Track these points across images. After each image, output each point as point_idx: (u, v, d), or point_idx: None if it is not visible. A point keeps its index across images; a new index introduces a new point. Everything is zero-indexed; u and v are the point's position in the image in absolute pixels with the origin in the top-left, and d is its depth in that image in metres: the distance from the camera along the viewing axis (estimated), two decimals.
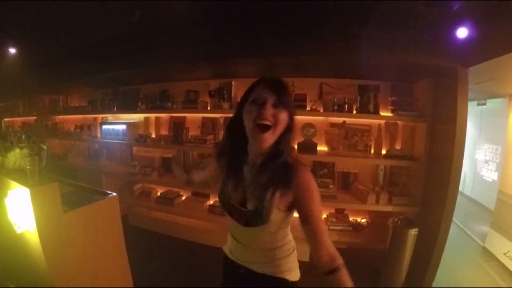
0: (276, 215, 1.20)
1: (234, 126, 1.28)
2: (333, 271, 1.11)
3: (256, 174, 1.23)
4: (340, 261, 1.13)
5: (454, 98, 2.64)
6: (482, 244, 4.01)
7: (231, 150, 1.31)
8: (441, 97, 2.91)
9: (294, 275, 1.37)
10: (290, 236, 1.41)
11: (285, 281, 1.32)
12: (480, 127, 5.39)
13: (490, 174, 5.03)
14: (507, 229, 3.63)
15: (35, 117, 5.99)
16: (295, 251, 1.42)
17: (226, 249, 1.51)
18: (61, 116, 5.76)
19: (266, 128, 1.16)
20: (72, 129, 5.43)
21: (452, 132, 2.64)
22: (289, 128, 1.23)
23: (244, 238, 1.35)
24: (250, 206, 1.24)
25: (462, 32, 2.31)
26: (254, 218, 1.21)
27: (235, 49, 3.01)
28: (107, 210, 2.59)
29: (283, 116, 1.18)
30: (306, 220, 1.18)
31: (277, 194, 1.18)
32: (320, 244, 1.15)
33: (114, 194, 2.68)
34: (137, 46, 3.50)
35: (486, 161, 5.17)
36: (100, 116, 5.12)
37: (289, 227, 1.38)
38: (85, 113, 5.23)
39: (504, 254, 3.53)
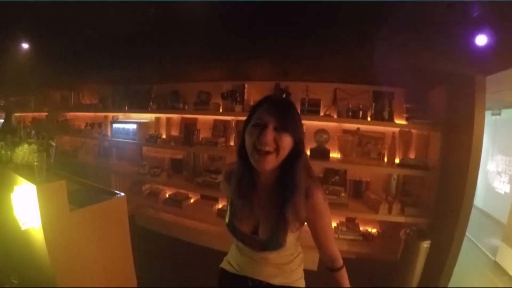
0: (291, 236, 1.20)
1: (242, 150, 1.16)
2: (336, 270, 1.27)
3: (266, 200, 1.20)
4: (341, 262, 1.28)
5: (471, 107, 2.59)
6: (493, 258, 3.91)
7: (239, 174, 1.20)
8: (457, 106, 2.86)
9: (303, 282, 1.41)
10: (299, 247, 1.41)
11: None
12: (494, 138, 5.30)
13: (503, 186, 4.94)
14: None
15: (46, 113, 6.05)
16: (302, 260, 1.44)
17: (229, 266, 1.45)
18: (72, 113, 5.81)
19: (266, 153, 1.05)
20: (82, 127, 5.46)
21: (468, 142, 2.60)
22: (297, 154, 1.11)
23: (258, 258, 1.30)
24: (263, 234, 1.21)
25: (481, 40, 2.25)
26: (270, 245, 1.20)
27: (249, 51, 3.00)
28: (114, 211, 2.58)
29: (287, 141, 1.06)
30: (317, 234, 1.25)
31: (291, 219, 1.15)
32: (327, 250, 1.28)
33: (122, 194, 2.67)
34: (151, 44, 3.49)
35: (499, 173, 5.08)
36: (111, 114, 5.14)
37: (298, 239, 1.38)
38: (96, 111, 5.27)
39: None
